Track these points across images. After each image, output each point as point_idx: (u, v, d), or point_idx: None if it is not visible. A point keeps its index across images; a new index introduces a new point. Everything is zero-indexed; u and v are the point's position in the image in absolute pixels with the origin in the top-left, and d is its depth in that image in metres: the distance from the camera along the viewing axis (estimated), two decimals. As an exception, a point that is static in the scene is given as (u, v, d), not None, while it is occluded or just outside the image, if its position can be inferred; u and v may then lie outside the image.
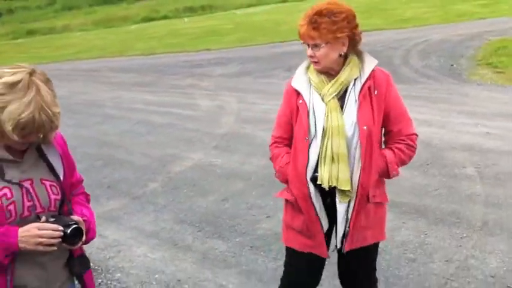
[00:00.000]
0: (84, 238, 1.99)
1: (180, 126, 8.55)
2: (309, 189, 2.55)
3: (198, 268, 4.13)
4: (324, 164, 2.51)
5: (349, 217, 2.55)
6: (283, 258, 2.90)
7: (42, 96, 1.82)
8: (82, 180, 2.24)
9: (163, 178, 6.22)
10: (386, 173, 2.60)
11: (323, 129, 2.51)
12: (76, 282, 2.18)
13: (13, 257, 1.89)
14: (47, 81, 1.88)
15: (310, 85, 2.58)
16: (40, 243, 1.87)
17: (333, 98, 2.53)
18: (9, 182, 1.91)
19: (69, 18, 44.85)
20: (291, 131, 2.65)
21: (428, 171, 5.75)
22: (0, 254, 1.83)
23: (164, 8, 40.57)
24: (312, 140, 2.54)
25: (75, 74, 16.05)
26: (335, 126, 2.50)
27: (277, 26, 22.75)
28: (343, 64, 2.56)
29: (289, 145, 2.68)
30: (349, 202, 2.54)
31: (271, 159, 2.79)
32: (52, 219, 1.91)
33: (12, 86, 1.80)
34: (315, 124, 2.53)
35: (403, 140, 2.63)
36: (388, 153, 2.60)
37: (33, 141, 1.92)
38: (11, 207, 1.90)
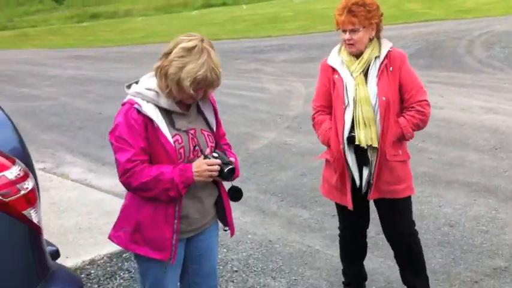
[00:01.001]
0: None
1: (252, 107, 9.01)
2: (344, 148, 3.11)
3: (285, 231, 4.58)
4: (359, 128, 3.08)
5: (373, 170, 3.10)
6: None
7: (211, 58, 2.30)
8: (225, 134, 2.70)
9: (243, 154, 6.67)
10: (402, 136, 3.11)
11: (353, 99, 3.07)
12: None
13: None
14: (212, 47, 2.34)
15: (343, 64, 3.13)
16: (211, 176, 2.35)
17: (360, 74, 3.10)
18: (179, 130, 2.40)
19: (131, 3, 45.95)
20: (331, 101, 3.19)
21: (497, 155, 6.02)
22: (180, 186, 2.31)
23: (221, -5, 41.07)
24: (346, 108, 3.09)
25: (147, 57, 16.67)
26: (362, 97, 3.08)
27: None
28: (367, 46, 3.10)
29: (330, 113, 3.21)
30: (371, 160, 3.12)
31: (314, 125, 3.33)
32: (216, 155, 2.37)
33: (190, 50, 2.28)
34: (347, 95, 3.09)
35: (413, 107, 3.10)
36: (401, 120, 3.11)
37: (201, 95, 2.39)
38: (182, 150, 2.39)
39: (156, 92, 2.37)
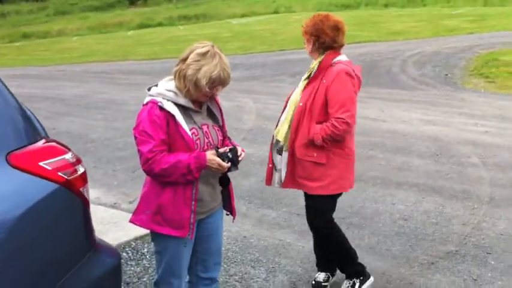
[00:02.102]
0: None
1: (206, 121, 9.37)
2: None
3: (257, 229, 4.96)
4: (279, 123, 3.62)
5: (284, 166, 3.58)
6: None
7: (223, 60, 2.70)
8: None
9: (205, 163, 7.02)
10: (312, 140, 3.46)
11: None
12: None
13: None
14: (222, 51, 2.73)
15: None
16: (217, 169, 2.74)
17: (304, 80, 3.56)
18: (195, 123, 2.77)
19: (64, 23, 45.39)
20: None
21: (439, 160, 6.65)
22: (195, 171, 2.68)
23: (159, 16, 41.34)
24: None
25: (88, 75, 16.81)
26: (293, 99, 3.56)
27: (274, 36, 23.66)
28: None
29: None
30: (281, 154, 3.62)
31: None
32: (230, 156, 2.75)
33: (204, 54, 2.68)
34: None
35: (331, 121, 3.42)
36: (316, 126, 3.45)
37: (213, 94, 2.77)
38: (198, 141, 2.77)
39: (175, 93, 2.74)
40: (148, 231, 4.81)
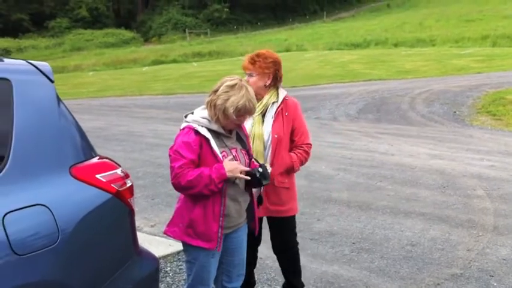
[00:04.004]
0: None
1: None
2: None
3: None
4: None
5: (262, 194, 3.74)
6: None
7: (249, 92, 3.07)
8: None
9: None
10: (292, 168, 3.78)
11: (251, 135, 3.66)
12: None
13: (226, 191, 3.07)
14: (249, 84, 3.10)
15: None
16: (234, 170, 3.05)
17: (258, 115, 3.72)
18: (226, 147, 3.13)
19: (80, 58, 46.52)
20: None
21: (446, 192, 6.94)
22: (217, 181, 3.00)
23: (173, 53, 42.26)
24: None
25: (106, 109, 17.33)
26: (257, 133, 3.70)
27: (286, 73, 23.57)
28: (266, 93, 3.83)
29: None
30: None
31: None
32: (260, 170, 3.10)
33: (232, 87, 3.05)
34: (250, 132, 3.66)
35: (302, 147, 3.81)
36: (293, 155, 3.78)
37: (240, 122, 3.13)
38: None
39: (208, 120, 3.11)
40: (170, 251, 5.19)
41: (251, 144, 3.66)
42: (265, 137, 3.70)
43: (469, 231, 5.60)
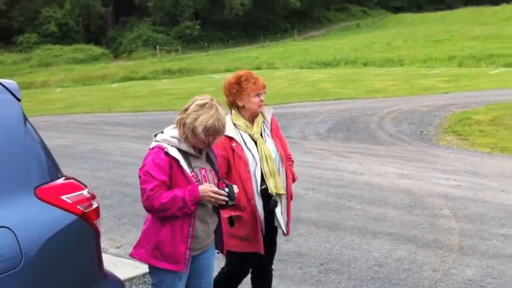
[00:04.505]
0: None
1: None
2: (255, 202, 3.70)
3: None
4: (268, 179, 3.69)
5: (285, 211, 3.81)
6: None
7: (219, 112, 3.07)
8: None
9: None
10: (293, 179, 3.91)
11: (260, 156, 3.66)
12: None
13: (195, 213, 3.05)
14: (220, 104, 3.10)
15: (237, 130, 3.68)
16: (211, 197, 3.05)
17: (259, 135, 3.74)
18: (194, 168, 3.12)
19: (48, 74, 45.95)
20: (225, 168, 3.63)
21: (413, 212, 7.01)
22: (190, 204, 2.99)
23: (143, 69, 42.09)
24: (254, 168, 3.66)
25: (73, 126, 17.11)
26: (267, 154, 3.71)
27: (257, 91, 24.32)
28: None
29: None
30: (281, 202, 3.81)
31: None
32: (227, 190, 3.09)
33: (203, 106, 3.06)
34: (253, 155, 3.65)
35: (290, 158, 3.94)
36: (292, 169, 3.90)
37: (210, 141, 3.12)
38: (196, 183, 3.09)
39: (178, 139, 3.09)
40: (136, 274, 5.11)
41: (264, 166, 3.67)
42: (273, 156, 3.72)
43: (435, 251, 5.65)
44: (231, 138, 3.65)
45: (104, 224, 7.02)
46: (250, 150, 3.67)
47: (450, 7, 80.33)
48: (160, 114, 18.99)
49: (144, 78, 38.35)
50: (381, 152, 11.33)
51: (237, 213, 3.62)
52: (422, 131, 13.43)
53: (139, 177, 3.07)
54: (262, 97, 3.73)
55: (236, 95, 3.65)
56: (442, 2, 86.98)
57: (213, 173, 3.25)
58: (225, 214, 3.49)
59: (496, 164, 9.96)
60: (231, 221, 3.46)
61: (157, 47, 58.49)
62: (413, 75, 29.05)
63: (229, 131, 3.61)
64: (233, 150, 3.64)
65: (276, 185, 3.72)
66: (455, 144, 12.05)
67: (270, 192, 3.70)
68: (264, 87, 3.75)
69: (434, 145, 12.11)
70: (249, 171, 3.64)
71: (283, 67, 40.04)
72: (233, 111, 3.72)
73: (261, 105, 3.72)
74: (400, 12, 78.54)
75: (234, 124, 3.69)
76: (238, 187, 3.43)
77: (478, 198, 7.48)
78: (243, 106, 3.69)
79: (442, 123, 14.24)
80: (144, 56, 56.51)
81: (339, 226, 6.51)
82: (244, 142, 3.68)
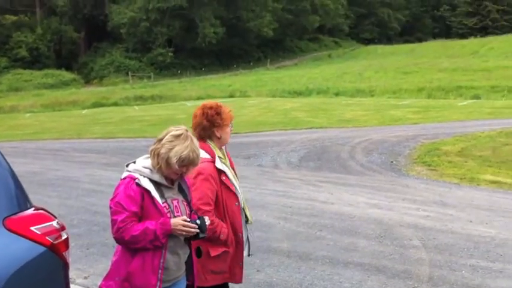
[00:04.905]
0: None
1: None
2: (243, 234, 3.77)
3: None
4: (246, 209, 3.81)
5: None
6: None
7: (193, 143, 3.07)
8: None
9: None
10: None
11: (239, 192, 3.72)
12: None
13: (166, 244, 3.01)
14: (193, 135, 3.10)
15: (223, 164, 3.64)
16: (182, 231, 3.03)
17: (228, 165, 3.70)
18: (166, 199, 3.09)
19: (17, 99, 45.34)
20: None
21: (383, 242, 7.05)
22: (161, 237, 2.97)
23: (114, 96, 41.87)
24: (239, 202, 3.72)
25: (42, 152, 16.86)
26: (237, 184, 3.73)
27: (229, 119, 24.36)
28: None
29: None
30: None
31: (216, 226, 3.54)
32: (198, 222, 3.07)
33: (178, 137, 3.05)
34: (236, 188, 3.67)
35: None
36: None
37: (183, 172, 3.10)
38: (168, 214, 3.07)
39: (151, 169, 3.08)
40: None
41: (242, 198, 3.70)
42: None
43: (405, 282, 5.68)
44: (220, 171, 3.61)
45: (71, 254, 6.87)
46: (233, 183, 3.66)
47: (419, 40, 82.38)
48: (132, 141, 18.86)
49: (115, 104, 38.12)
50: (352, 182, 11.41)
51: (224, 249, 3.61)
52: (392, 161, 13.58)
53: (110, 208, 3.04)
54: (232, 127, 3.78)
55: (218, 127, 3.63)
56: (412, 35, 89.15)
57: (185, 203, 3.23)
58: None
59: (464, 194, 10.11)
60: (199, 252, 3.43)
61: (129, 73, 58.37)
62: (383, 105, 29.49)
63: (218, 163, 3.59)
64: (222, 183, 3.61)
65: (249, 214, 3.83)
66: (425, 174, 12.21)
67: (248, 222, 3.79)
68: (232, 118, 3.79)
69: (404, 175, 12.25)
70: (238, 205, 3.66)
71: (255, 95, 40.27)
72: (211, 143, 3.68)
73: (230, 135, 3.76)
74: (371, 44, 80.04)
75: (218, 156, 3.65)
76: (225, 222, 3.54)
77: (447, 229, 7.57)
78: (220, 137, 3.67)
79: (412, 153, 14.43)
80: (116, 82, 56.28)
81: (310, 256, 6.50)
82: (229, 175, 3.66)
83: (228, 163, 3.72)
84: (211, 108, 3.66)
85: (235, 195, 3.65)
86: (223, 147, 3.75)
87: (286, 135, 19.05)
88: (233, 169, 3.78)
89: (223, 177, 3.60)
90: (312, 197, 9.82)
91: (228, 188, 3.62)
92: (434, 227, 7.66)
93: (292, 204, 9.16)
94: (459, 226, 7.72)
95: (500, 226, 7.70)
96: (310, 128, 20.87)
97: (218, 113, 3.64)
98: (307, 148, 15.66)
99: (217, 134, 3.65)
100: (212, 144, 3.65)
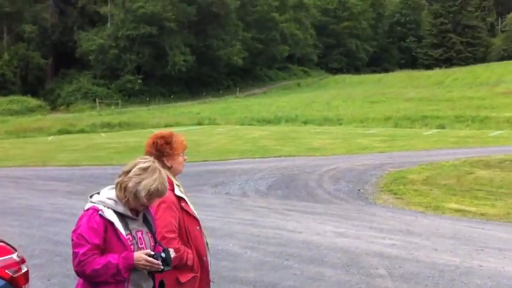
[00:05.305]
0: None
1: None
2: (208, 259, 3.78)
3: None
4: (205, 236, 3.79)
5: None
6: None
7: (162, 175, 3.04)
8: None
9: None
10: None
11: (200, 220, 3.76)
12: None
13: (129, 277, 2.93)
14: (161, 167, 3.05)
15: (180, 191, 3.66)
16: (145, 265, 2.97)
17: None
18: (131, 230, 3.04)
19: (-20, 125, 44.42)
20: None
21: (349, 271, 7.02)
22: (123, 271, 2.89)
23: (81, 122, 41.38)
24: (200, 227, 3.74)
25: (5, 180, 16.45)
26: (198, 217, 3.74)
27: (197, 147, 24.21)
28: None
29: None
30: None
31: (183, 253, 3.52)
32: (163, 255, 2.99)
33: (145, 169, 3.02)
34: (195, 213, 3.73)
35: None
36: None
37: (150, 205, 3.04)
38: (132, 246, 3.01)
39: (115, 201, 3.03)
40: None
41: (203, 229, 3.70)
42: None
43: (372, 311, 5.65)
44: (180, 198, 3.65)
45: (32, 285, 6.68)
46: (192, 209, 3.70)
47: (386, 70, 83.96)
48: (97, 169, 18.58)
49: (82, 131, 37.62)
50: (320, 210, 11.41)
51: (193, 274, 3.60)
52: (359, 190, 13.65)
53: (72, 240, 2.98)
54: (185, 157, 3.78)
55: (168, 156, 3.64)
56: (379, 65, 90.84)
57: (149, 235, 3.17)
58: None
59: (429, 223, 10.19)
60: (162, 285, 3.34)
61: (96, 100, 57.86)
62: (351, 134, 29.81)
63: (177, 191, 3.63)
64: (182, 209, 3.63)
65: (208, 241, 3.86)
66: (391, 203, 12.29)
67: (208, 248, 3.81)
68: (186, 148, 3.79)
69: (371, 204, 12.31)
70: (199, 229, 3.68)
71: (224, 123, 40.30)
72: (167, 171, 3.65)
73: (183, 165, 3.76)
74: (339, 74, 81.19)
75: (176, 184, 3.68)
76: (190, 247, 3.51)
77: (413, 258, 7.59)
78: (171, 166, 3.69)
79: (379, 182, 14.54)
80: (83, 109, 55.68)
81: (276, 286, 6.43)
82: (188, 202, 3.70)
83: (183, 190, 3.76)
84: (162, 137, 3.69)
85: (195, 220, 3.69)
86: (176, 176, 3.77)
87: (255, 163, 19.03)
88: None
89: (183, 204, 3.63)
90: (279, 225, 9.77)
91: (188, 213, 3.65)
92: (400, 256, 7.68)
93: (260, 233, 9.10)
94: (424, 254, 7.75)
95: (464, 254, 7.76)
96: (279, 156, 20.92)
97: (168, 143, 3.67)
98: (275, 176, 15.66)
99: (168, 164, 3.66)
100: (168, 173, 3.64)
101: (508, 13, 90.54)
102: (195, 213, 3.71)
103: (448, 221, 10.39)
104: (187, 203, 3.65)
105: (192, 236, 3.63)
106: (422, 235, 9.03)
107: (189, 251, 3.57)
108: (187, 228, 3.61)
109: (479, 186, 13.66)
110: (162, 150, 3.64)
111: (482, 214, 10.90)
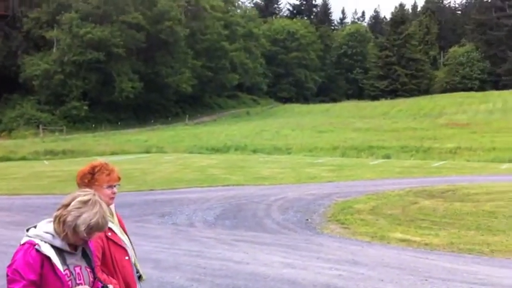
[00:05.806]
0: None
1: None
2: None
3: None
4: (137, 265, 3.77)
5: None
6: None
7: (102, 208, 2.93)
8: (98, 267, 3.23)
9: None
10: None
11: (131, 249, 3.69)
12: None
13: None
14: (102, 200, 2.94)
15: (110, 221, 3.56)
16: None
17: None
18: (68, 266, 2.92)
19: None
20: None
21: (297, 303, 6.96)
22: None
23: (23, 150, 40.19)
24: (131, 255, 3.69)
25: None
26: (130, 246, 3.72)
27: (144, 175, 23.88)
28: None
29: None
30: None
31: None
32: (101, 287, 2.87)
33: (85, 203, 2.90)
34: (125, 243, 3.63)
35: None
36: None
37: (89, 239, 2.92)
38: (69, 282, 2.89)
39: (52, 235, 2.90)
40: None
41: (132, 253, 3.66)
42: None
43: None
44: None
45: (-38, 322, 6.32)
46: (121, 238, 3.63)
47: (334, 100, 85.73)
48: (39, 198, 17.98)
49: (23, 158, 36.49)
50: (268, 240, 11.33)
51: None
52: (307, 219, 13.67)
53: (7, 275, 2.85)
54: (115, 189, 3.67)
55: (88, 186, 3.52)
56: (327, 95, 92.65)
57: (88, 270, 3.05)
58: None
59: (375, 252, 10.26)
60: None
61: (40, 126, 56.37)
62: (299, 163, 30.01)
63: None
64: (108, 239, 3.54)
65: (142, 271, 3.81)
66: (338, 232, 12.34)
67: (141, 279, 3.77)
68: (119, 179, 3.70)
69: (319, 233, 12.33)
70: (128, 259, 3.60)
71: (172, 151, 39.93)
72: None
73: (113, 198, 3.66)
74: (288, 103, 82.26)
75: None
76: (117, 277, 3.42)
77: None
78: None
79: (326, 211, 14.61)
80: (26, 135, 54.12)
81: (222, 320, 6.28)
82: (116, 231, 3.63)
83: (115, 221, 3.69)
84: (87, 167, 3.66)
85: (124, 249, 3.62)
86: (111, 207, 3.65)
87: (203, 192, 18.84)
88: (122, 227, 3.76)
89: (109, 233, 3.55)
90: (226, 256, 9.63)
91: (115, 243, 3.58)
92: (346, 287, 7.66)
93: (206, 264, 8.93)
94: (370, 285, 7.77)
95: (409, 285, 7.82)
96: (227, 185, 20.80)
97: (90, 172, 3.60)
98: (223, 206, 15.52)
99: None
100: None
101: (450, 47, 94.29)
102: (125, 242, 3.65)
103: (393, 251, 10.49)
104: (114, 233, 3.58)
105: (119, 266, 3.56)
106: (368, 265, 9.06)
107: (114, 281, 3.49)
108: (114, 257, 3.55)
109: (423, 216, 13.90)
110: (84, 179, 3.58)
111: (426, 244, 11.06)
